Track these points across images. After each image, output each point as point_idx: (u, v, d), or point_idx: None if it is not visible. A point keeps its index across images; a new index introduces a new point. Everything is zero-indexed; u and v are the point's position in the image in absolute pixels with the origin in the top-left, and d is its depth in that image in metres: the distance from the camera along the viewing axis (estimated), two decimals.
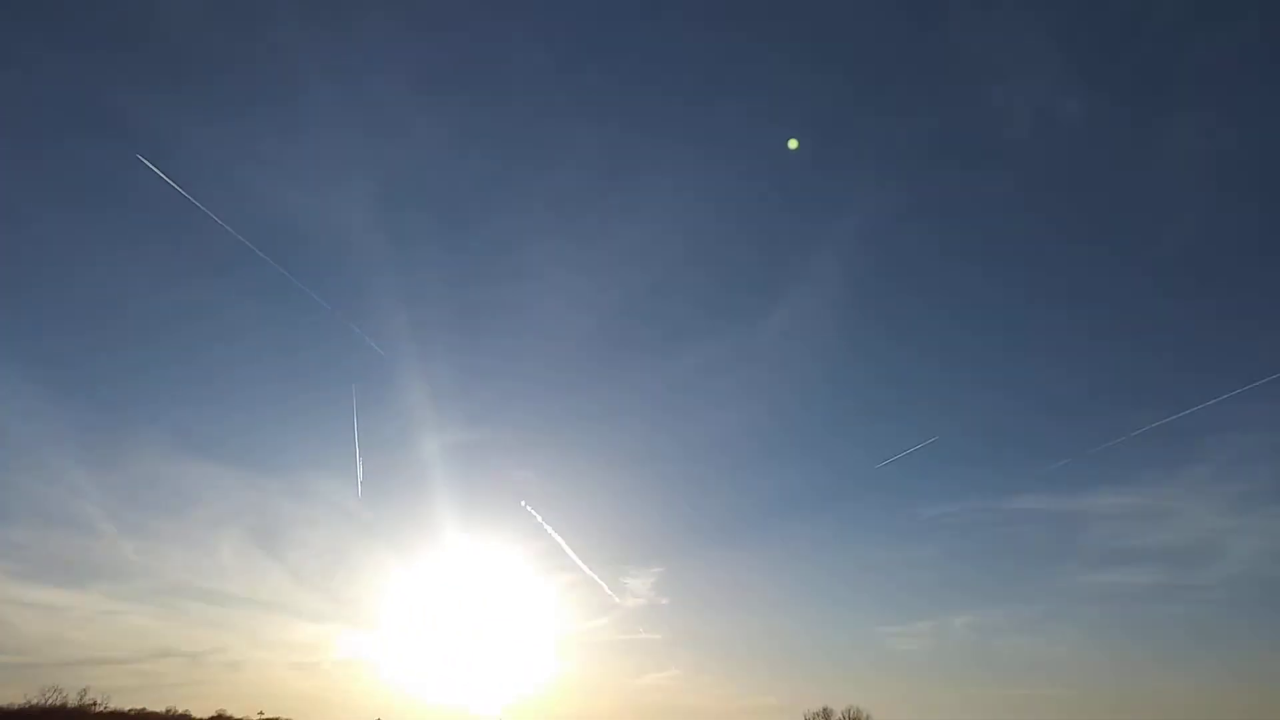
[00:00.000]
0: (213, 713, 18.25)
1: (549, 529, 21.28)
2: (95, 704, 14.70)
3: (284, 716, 20.05)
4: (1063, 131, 30.62)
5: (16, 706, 13.54)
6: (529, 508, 22.86)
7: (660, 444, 36.00)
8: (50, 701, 13.81)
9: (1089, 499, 30.24)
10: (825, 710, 20.42)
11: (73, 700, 14.21)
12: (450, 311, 29.77)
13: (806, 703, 25.18)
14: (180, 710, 17.67)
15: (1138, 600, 30.38)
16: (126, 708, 15.78)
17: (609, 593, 26.77)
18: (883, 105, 31.34)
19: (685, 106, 28.44)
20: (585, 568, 25.64)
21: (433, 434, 23.47)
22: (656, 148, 29.72)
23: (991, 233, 34.83)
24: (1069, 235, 34.67)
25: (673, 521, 37.09)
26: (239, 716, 19.23)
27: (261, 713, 19.90)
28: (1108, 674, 29.78)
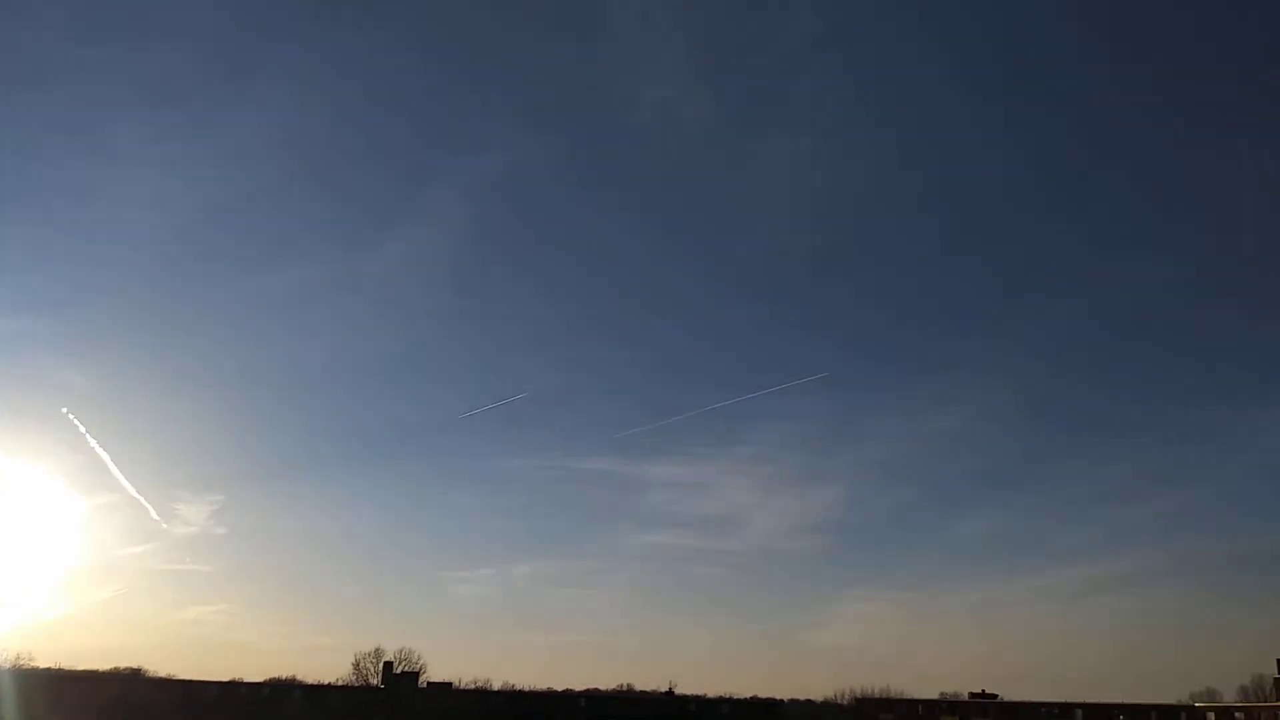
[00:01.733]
0: None
1: (93, 441, 19.05)
2: None
3: None
4: (681, 126, 31.73)
5: None
6: (72, 415, 20.69)
7: (238, 366, 34.12)
8: None
9: (650, 467, 32.43)
10: (378, 650, 19.01)
11: None
12: (10, 184, 26.80)
13: (361, 643, 24.14)
14: None
15: (678, 560, 34.12)
16: None
17: (156, 518, 23.96)
18: (523, 54, 31.16)
19: (317, 10, 25.63)
20: (131, 488, 22.79)
21: None
22: (278, 47, 28.40)
23: (602, 211, 35.35)
24: (663, 228, 35.08)
25: (242, 450, 34.66)
26: None
27: None
28: (647, 623, 32.12)
